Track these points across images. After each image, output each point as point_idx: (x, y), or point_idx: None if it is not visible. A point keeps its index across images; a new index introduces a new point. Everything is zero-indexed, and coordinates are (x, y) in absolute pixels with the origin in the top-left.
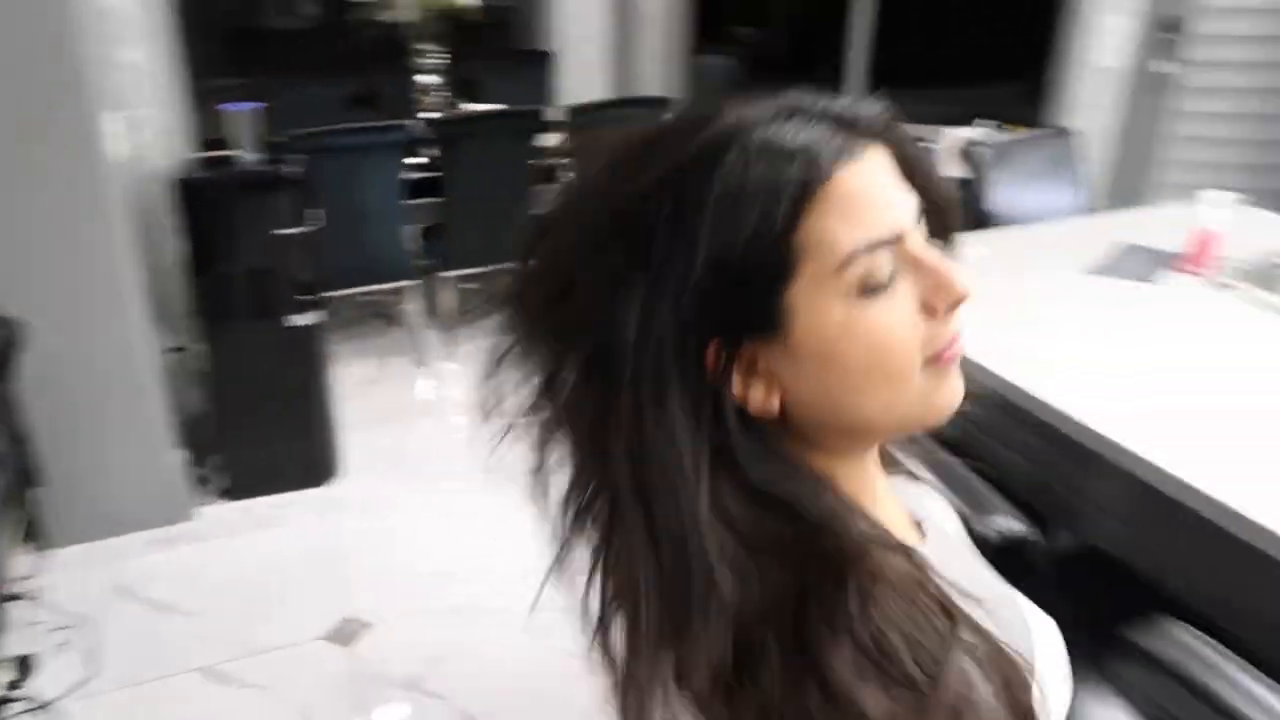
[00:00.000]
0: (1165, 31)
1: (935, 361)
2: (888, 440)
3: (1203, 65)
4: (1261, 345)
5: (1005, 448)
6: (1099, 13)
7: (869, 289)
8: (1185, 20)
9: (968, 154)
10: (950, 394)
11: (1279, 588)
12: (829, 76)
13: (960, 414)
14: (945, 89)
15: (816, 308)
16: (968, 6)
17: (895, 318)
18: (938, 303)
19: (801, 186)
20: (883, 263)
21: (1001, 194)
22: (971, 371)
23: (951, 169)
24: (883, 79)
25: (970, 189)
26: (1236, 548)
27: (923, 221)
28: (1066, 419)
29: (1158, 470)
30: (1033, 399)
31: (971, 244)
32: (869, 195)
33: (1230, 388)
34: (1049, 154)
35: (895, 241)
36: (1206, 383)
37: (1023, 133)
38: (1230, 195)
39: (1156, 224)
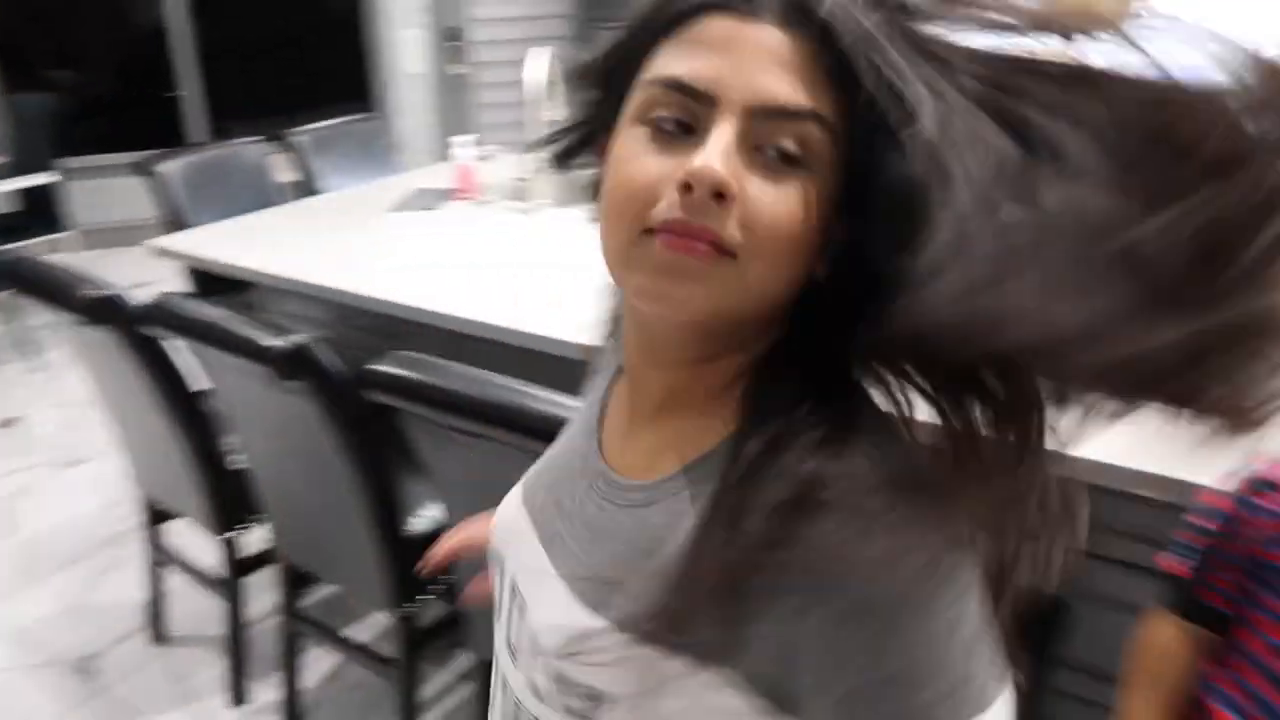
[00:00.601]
0: (451, 40)
1: (646, 233)
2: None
3: (485, 65)
4: (517, 235)
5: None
6: (395, 28)
7: (643, 119)
8: (464, 30)
9: (290, 146)
10: (641, 286)
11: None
12: (166, 112)
13: None
14: (289, 114)
15: (621, 124)
16: (287, 41)
17: (640, 157)
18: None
19: (672, 18)
20: (670, 104)
21: (330, 174)
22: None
23: (284, 174)
24: (224, 113)
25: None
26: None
27: (790, 131)
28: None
29: (462, 320)
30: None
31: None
32: (714, 49)
33: (499, 261)
34: (359, 136)
35: (699, 98)
36: (485, 262)
37: (336, 121)
38: (470, 138)
39: (441, 173)
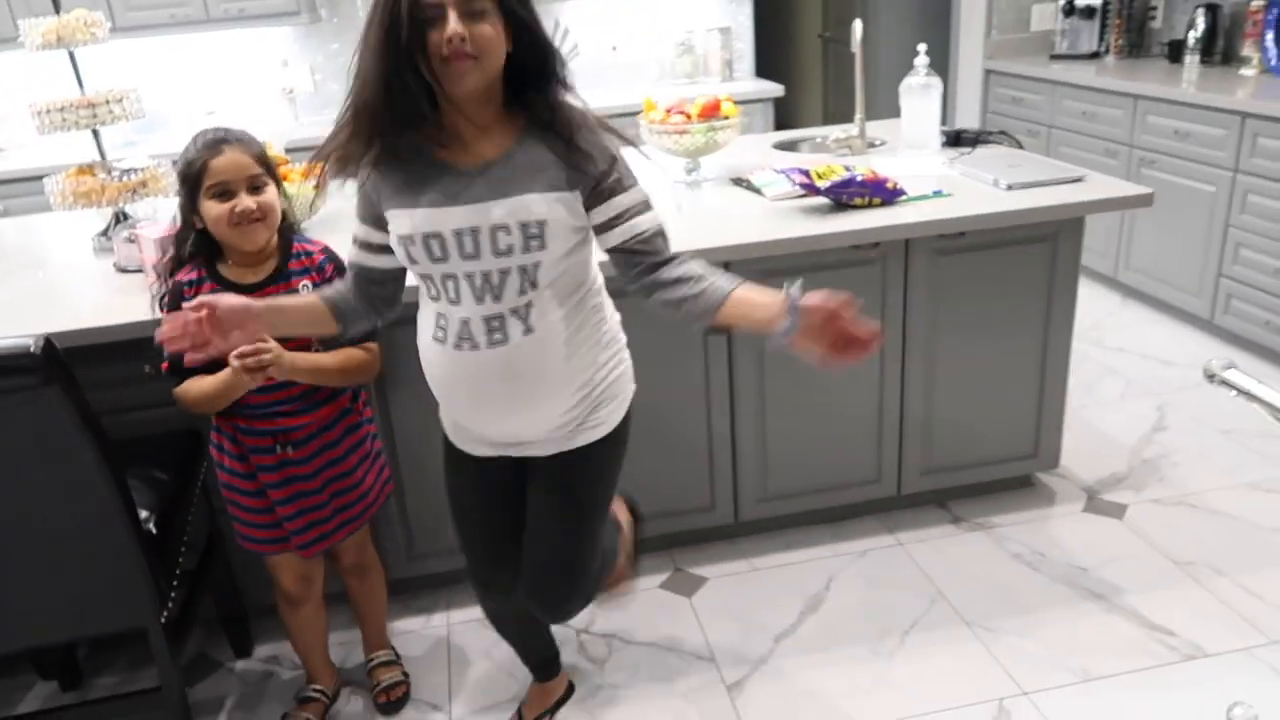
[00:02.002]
0: None
1: (442, 60)
2: None
3: None
4: None
5: None
6: None
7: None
8: None
9: None
10: (450, 81)
11: None
12: None
13: None
14: None
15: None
16: None
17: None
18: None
19: None
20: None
21: None
22: None
23: None
24: None
25: None
26: None
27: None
28: None
29: None
30: None
31: None
32: None
33: None
34: None
35: (438, 6)
36: None
37: None
38: None
39: None
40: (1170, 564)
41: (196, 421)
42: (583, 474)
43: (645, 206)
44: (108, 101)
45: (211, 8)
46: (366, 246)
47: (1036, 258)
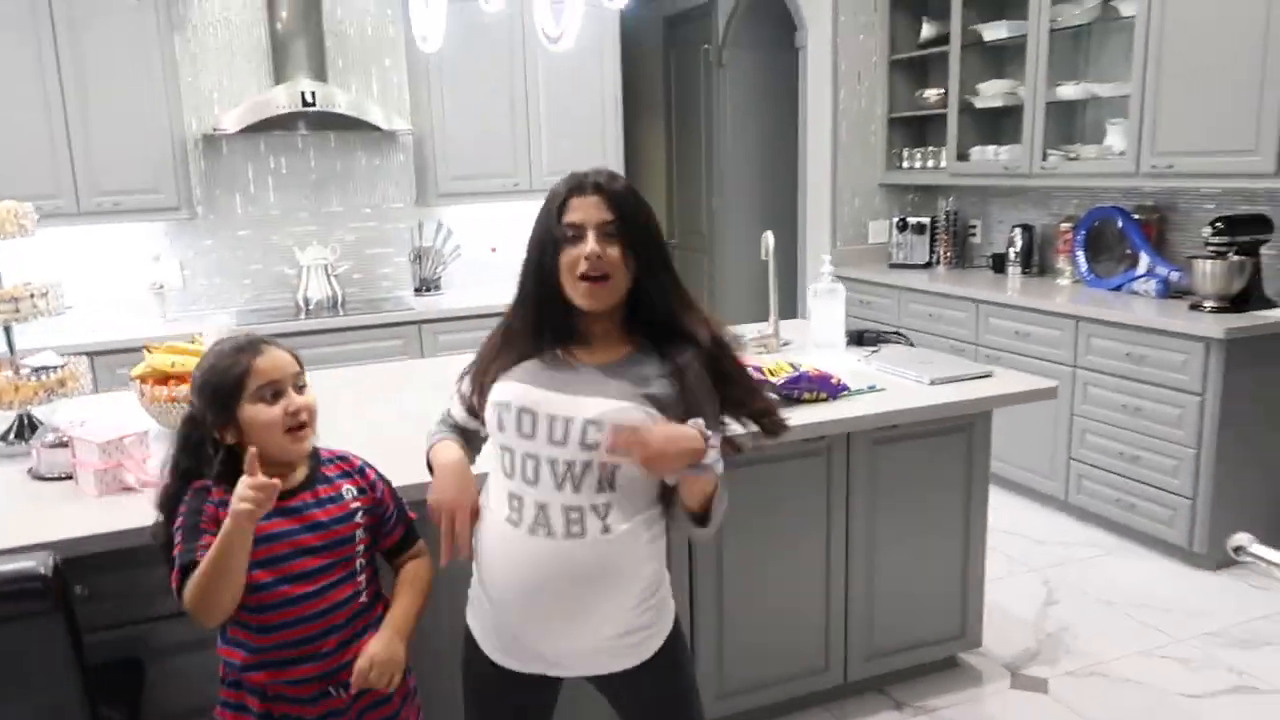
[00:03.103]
0: None
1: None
2: None
3: None
4: None
5: None
6: None
7: (563, 238)
8: None
9: None
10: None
11: None
12: None
13: None
14: None
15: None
16: None
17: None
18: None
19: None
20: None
21: None
22: None
23: None
24: None
25: None
26: None
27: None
28: None
29: None
30: None
31: None
32: (577, 209)
33: None
34: None
35: (578, 226)
36: None
37: None
38: None
39: None
40: None
41: (136, 649)
42: (670, 682)
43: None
44: (32, 296)
45: (83, 200)
46: (455, 427)
47: (956, 447)
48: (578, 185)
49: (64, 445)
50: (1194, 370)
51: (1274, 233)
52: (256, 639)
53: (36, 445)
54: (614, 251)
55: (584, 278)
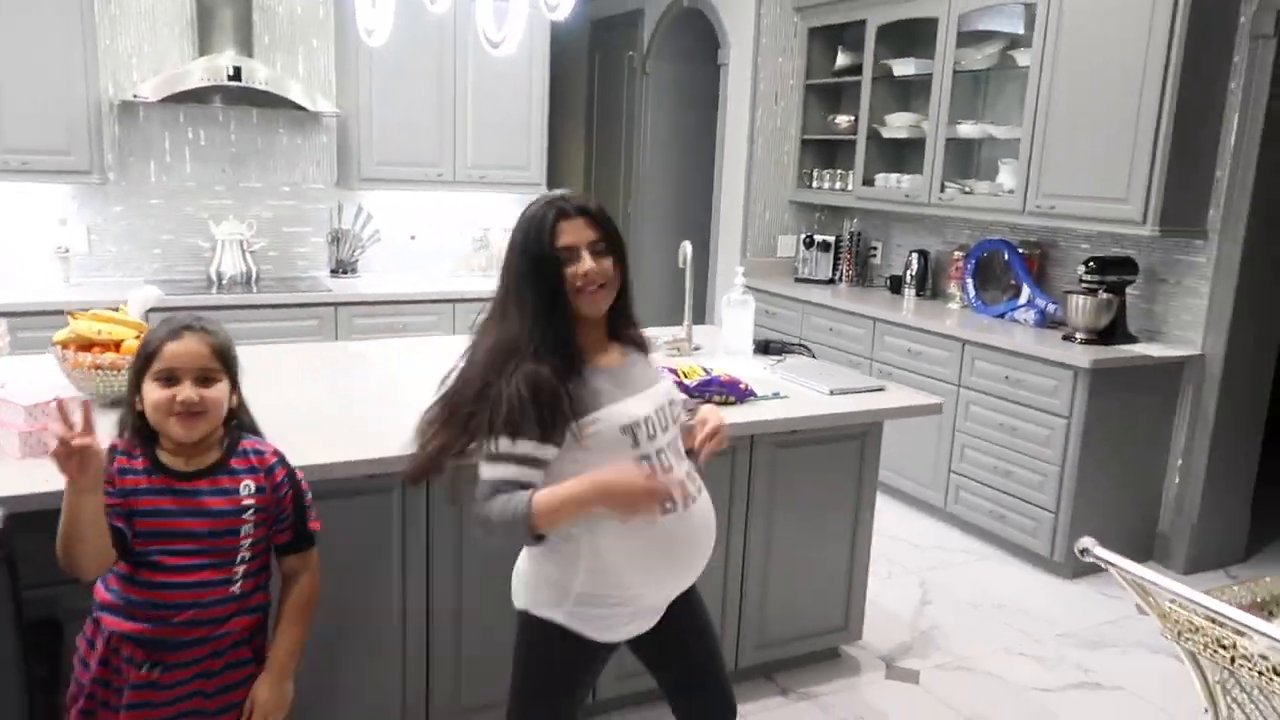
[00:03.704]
0: None
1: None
2: None
3: None
4: None
5: None
6: None
7: (563, 255)
8: None
9: None
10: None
11: None
12: None
13: None
14: None
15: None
16: None
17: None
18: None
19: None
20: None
21: None
22: None
23: None
24: None
25: None
26: None
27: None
28: None
29: None
30: None
31: None
32: (567, 231)
33: None
34: None
35: (573, 248)
36: None
37: None
38: None
39: None
40: None
41: (54, 611)
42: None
43: None
44: None
45: None
46: (537, 463)
47: (850, 454)
48: (561, 211)
49: None
50: (1063, 395)
51: (1138, 274)
52: (123, 588)
53: None
54: (606, 263)
55: (586, 287)
